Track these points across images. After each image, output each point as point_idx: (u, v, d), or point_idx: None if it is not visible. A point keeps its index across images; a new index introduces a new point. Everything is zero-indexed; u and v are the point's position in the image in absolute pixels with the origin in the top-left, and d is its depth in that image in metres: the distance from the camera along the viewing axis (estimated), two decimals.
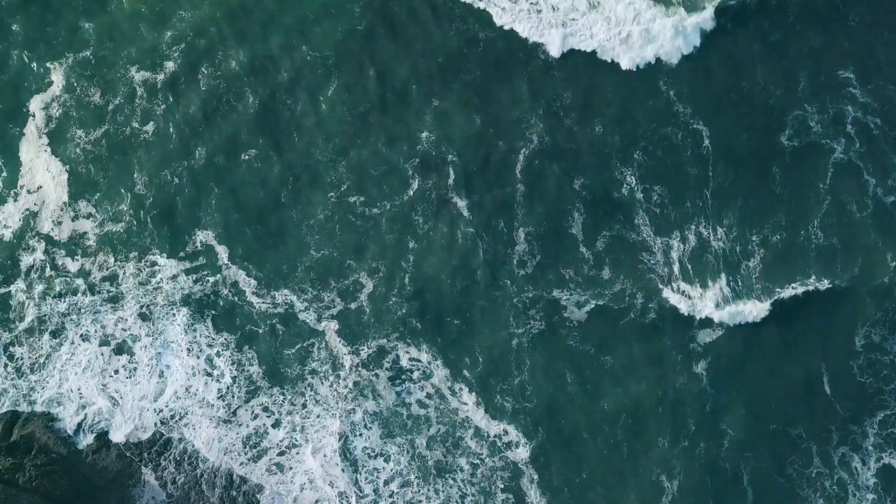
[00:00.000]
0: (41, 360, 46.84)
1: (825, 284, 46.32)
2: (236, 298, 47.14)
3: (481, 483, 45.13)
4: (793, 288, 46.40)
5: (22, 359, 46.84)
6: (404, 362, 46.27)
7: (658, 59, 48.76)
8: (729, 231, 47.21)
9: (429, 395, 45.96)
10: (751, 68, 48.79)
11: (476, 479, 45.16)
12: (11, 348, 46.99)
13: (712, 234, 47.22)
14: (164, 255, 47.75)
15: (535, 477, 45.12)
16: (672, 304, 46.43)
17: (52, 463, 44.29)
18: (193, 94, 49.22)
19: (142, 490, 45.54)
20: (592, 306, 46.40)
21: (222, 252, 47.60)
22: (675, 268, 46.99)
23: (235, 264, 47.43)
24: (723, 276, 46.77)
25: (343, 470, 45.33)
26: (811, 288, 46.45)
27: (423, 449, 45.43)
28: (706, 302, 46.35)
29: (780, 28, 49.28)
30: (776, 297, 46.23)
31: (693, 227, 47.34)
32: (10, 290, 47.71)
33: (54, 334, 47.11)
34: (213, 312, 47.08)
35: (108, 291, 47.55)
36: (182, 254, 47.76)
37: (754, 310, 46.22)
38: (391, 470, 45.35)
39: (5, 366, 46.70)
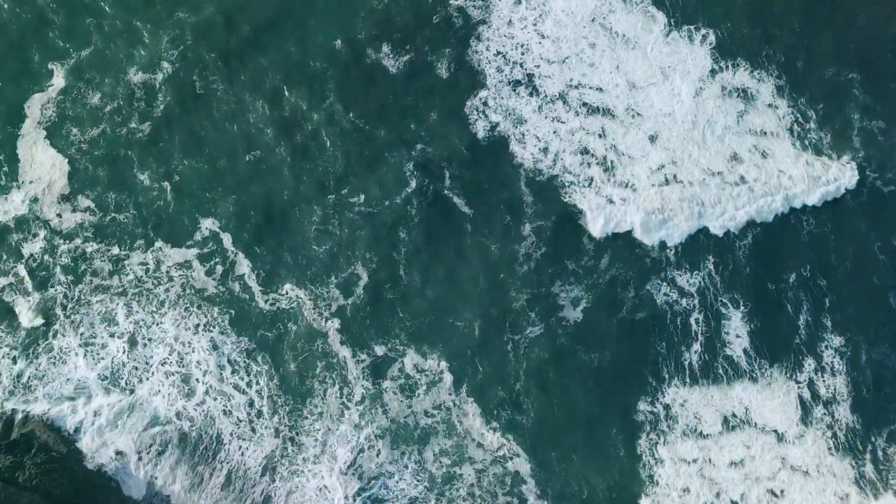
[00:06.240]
0: (43, 358, 46.75)
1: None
2: (241, 297, 47.39)
3: (485, 489, 45.24)
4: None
5: (23, 355, 46.76)
6: (409, 371, 46.35)
7: None
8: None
9: (434, 404, 46.02)
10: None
11: (480, 484, 45.21)
12: (12, 346, 46.92)
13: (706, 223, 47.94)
14: (170, 244, 47.96)
15: (534, 483, 45.21)
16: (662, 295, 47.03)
17: (52, 461, 44.01)
18: (193, 97, 49.82)
19: (142, 489, 45.26)
20: (588, 305, 46.74)
21: (227, 242, 47.82)
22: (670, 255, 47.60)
23: (239, 255, 47.64)
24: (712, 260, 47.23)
25: (357, 477, 45.39)
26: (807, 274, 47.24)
27: (430, 457, 45.45)
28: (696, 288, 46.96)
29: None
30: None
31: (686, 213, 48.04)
32: (12, 281, 47.72)
33: (56, 331, 47.09)
34: (216, 315, 47.26)
35: (113, 285, 47.67)
36: (190, 242, 47.96)
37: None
38: (399, 477, 45.35)
39: (7, 362, 46.58)
